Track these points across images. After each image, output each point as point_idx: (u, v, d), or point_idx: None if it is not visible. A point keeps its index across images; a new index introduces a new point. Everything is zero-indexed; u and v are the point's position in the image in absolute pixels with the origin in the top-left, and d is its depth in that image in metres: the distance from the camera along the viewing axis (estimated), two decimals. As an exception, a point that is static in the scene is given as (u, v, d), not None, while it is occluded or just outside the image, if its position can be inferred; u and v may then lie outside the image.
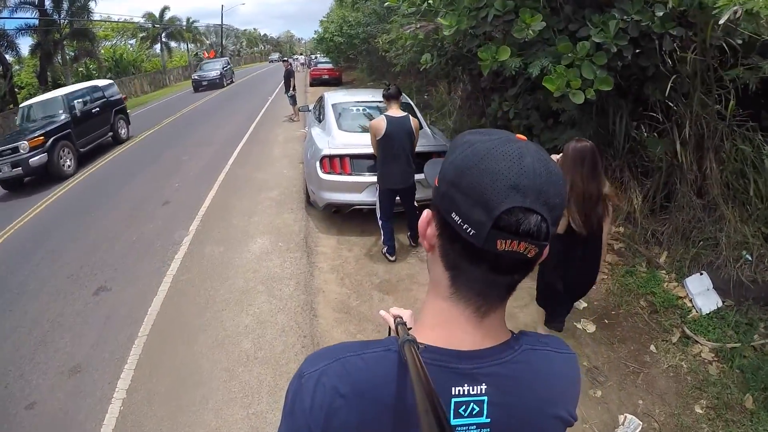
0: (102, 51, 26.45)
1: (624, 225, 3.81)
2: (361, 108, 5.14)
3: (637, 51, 2.99)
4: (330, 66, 20.11)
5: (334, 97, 5.52)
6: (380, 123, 3.58)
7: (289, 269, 4.05)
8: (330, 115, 4.93)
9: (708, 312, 2.96)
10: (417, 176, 3.81)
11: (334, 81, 19.28)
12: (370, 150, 3.90)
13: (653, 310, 3.11)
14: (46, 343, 3.55)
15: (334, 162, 4.32)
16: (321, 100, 5.80)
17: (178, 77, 32.38)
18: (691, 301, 3.06)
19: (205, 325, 3.41)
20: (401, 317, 0.71)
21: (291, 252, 4.37)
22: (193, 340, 3.28)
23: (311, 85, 19.76)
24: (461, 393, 0.54)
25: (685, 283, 3.15)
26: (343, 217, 4.78)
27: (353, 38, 15.79)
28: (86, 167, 8.96)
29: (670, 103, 3.32)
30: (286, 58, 13.48)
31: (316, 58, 24.90)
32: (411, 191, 3.86)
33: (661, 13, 2.68)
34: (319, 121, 5.30)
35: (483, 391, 0.55)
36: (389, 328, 0.77)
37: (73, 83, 19.13)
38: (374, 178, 4.14)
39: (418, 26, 3.88)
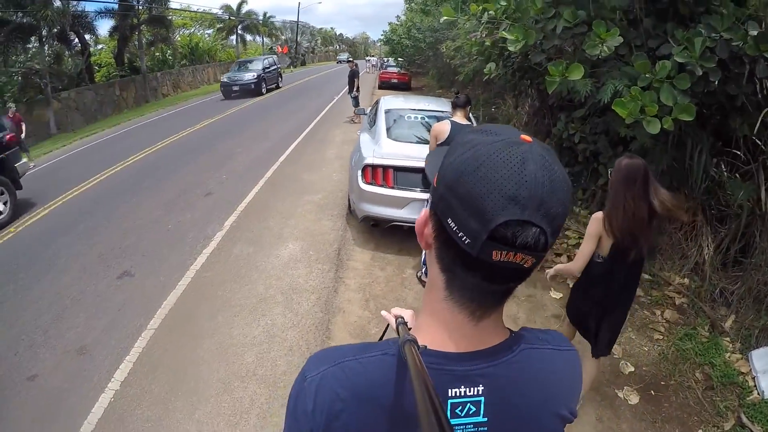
0: (179, 38, 29.00)
1: (690, 276, 3.63)
2: (418, 117, 5.09)
3: (725, 75, 2.74)
4: (398, 70, 20.78)
5: (389, 102, 5.54)
6: (444, 126, 3.75)
7: (314, 281, 4.03)
8: (381, 121, 4.94)
9: (772, 397, 2.66)
10: None
11: (403, 86, 19.83)
12: (417, 163, 3.90)
13: (709, 385, 2.89)
14: (62, 319, 3.85)
15: (377, 172, 4.28)
16: (376, 104, 5.86)
17: None
18: (754, 379, 2.83)
19: (213, 329, 3.47)
20: (402, 317, 0.74)
21: (320, 263, 4.36)
22: (198, 344, 3.34)
23: (380, 87, 20.53)
24: (457, 394, 0.58)
25: (750, 356, 2.95)
26: (383, 231, 4.71)
27: (419, 42, 16.16)
28: (148, 147, 9.89)
29: (758, 141, 3.16)
30: (351, 59, 14.02)
31: (387, 61, 25.54)
32: None
33: (755, 33, 2.43)
34: (370, 127, 5.32)
35: (479, 392, 0.59)
36: (386, 327, 0.84)
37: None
38: (418, 194, 4.13)
39: (485, 34, 3.81)
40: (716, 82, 2.64)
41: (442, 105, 5.43)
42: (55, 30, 16.32)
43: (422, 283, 3.95)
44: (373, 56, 31.10)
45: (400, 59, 20.88)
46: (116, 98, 19.27)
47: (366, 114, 6.56)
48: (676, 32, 2.69)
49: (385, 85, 20.24)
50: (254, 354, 3.19)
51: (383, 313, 0.91)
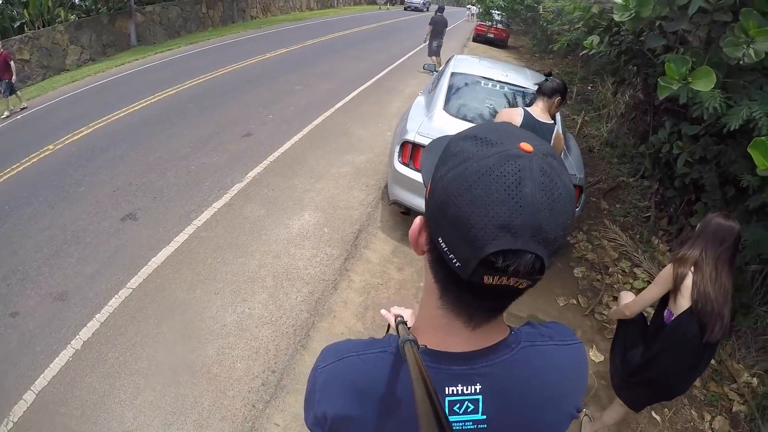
0: None
1: (761, 378, 3.14)
2: (492, 87, 4.35)
3: None
4: (495, 24, 19.42)
5: (462, 62, 4.88)
6: (513, 115, 2.99)
7: (314, 269, 3.77)
8: (443, 86, 4.34)
9: None
10: None
11: (500, 42, 18.82)
12: None
13: None
14: (56, 257, 4.05)
15: (417, 152, 3.78)
16: (447, 62, 5.21)
17: (348, 1, 35.37)
18: None
19: (187, 304, 3.42)
20: (402, 316, 0.76)
21: (331, 246, 4.06)
22: (166, 318, 3.31)
23: (474, 40, 19.47)
24: (455, 392, 0.63)
25: None
26: (415, 220, 4.24)
27: (516, 2, 15.57)
28: (210, 72, 10.13)
29: None
30: (442, 7, 12.84)
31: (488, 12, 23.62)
32: None
33: None
34: (430, 91, 4.73)
35: (477, 391, 0.63)
36: (388, 326, 0.95)
37: None
38: None
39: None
40: None
41: (531, 79, 4.61)
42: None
43: None
44: (474, 5, 29.57)
45: (497, 13, 19.34)
46: (202, 16, 19.98)
47: (435, 72, 5.79)
48: None
49: (480, 38, 19.02)
50: (217, 347, 3.06)
51: (383, 312, 0.99)
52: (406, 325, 0.69)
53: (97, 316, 3.36)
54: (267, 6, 24.96)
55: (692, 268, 2.03)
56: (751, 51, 2.05)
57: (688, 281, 2.04)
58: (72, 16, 14.68)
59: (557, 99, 2.98)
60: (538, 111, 2.99)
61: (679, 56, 2.21)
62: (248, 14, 23.12)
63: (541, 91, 3.01)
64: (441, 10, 11.02)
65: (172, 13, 18.31)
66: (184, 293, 3.51)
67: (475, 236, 0.51)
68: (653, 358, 2.20)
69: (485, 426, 0.64)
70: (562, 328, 0.73)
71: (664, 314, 2.16)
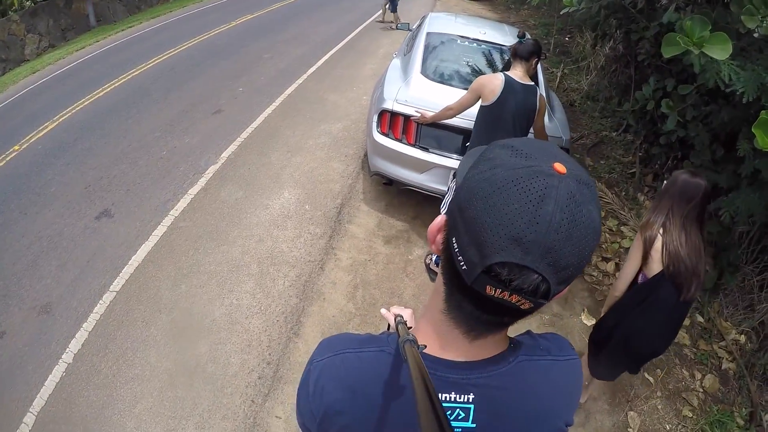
0: None
1: (749, 335, 3.12)
2: (470, 45, 4.03)
3: None
4: None
5: (438, 21, 4.54)
6: (493, 82, 2.80)
7: (299, 251, 3.61)
8: (419, 48, 3.99)
9: None
10: None
11: None
12: (454, 119, 3.13)
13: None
14: (36, 266, 3.86)
15: (396, 121, 3.51)
16: (421, 21, 4.84)
17: None
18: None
19: (174, 301, 3.27)
20: (402, 316, 0.76)
21: (314, 224, 3.88)
22: (154, 319, 3.18)
23: None
24: (448, 399, 0.63)
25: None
26: (399, 189, 4.07)
27: None
28: (173, 48, 9.54)
29: None
30: None
31: None
32: None
33: None
34: (405, 54, 4.39)
35: (470, 400, 0.63)
36: (388, 326, 0.94)
37: None
38: (448, 161, 3.37)
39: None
40: None
41: (509, 34, 4.29)
42: None
43: (430, 271, 3.35)
44: None
45: None
46: (163, -14, 18.61)
47: (411, 31, 5.30)
48: None
49: None
50: (209, 343, 2.94)
51: (383, 311, 0.97)
52: (406, 325, 0.69)
53: (84, 325, 3.21)
54: (230, -31, 23.46)
55: (661, 231, 1.98)
56: (765, 23, 1.84)
57: (658, 244, 1.99)
58: (28, 2, 13.62)
59: (534, 60, 2.86)
60: (518, 73, 2.82)
61: (698, 16, 1.98)
62: (213, -20, 21.76)
63: (518, 55, 2.84)
64: None
65: (131, -15, 17.10)
66: (169, 291, 3.35)
67: (485, 242, 0.51)
68: (626, 318, 2.18)
69: None
70: (560, 342, 0.73)
71: (639, 278, 2.13)
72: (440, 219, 0.63)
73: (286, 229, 3.85)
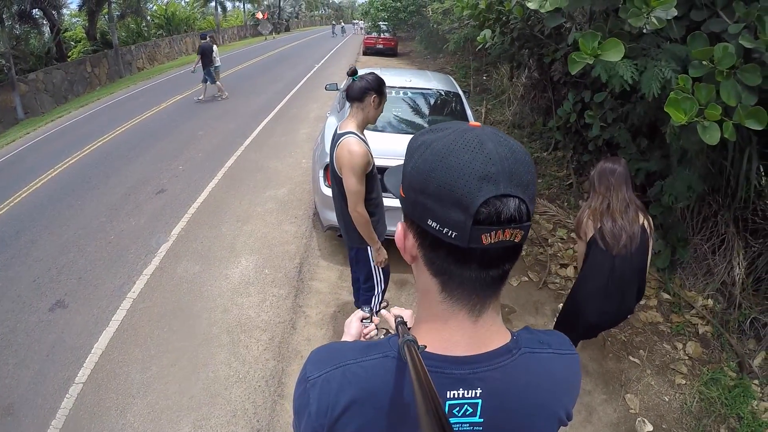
0: (154, 7, 28.83)
1: (715, 298, 3.28)
2: (397, 94, 4.35)
3: None
4: (383, 36, 19.83)
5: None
6: (363, 149, 2.32)
7: (267, 314, 3.54)
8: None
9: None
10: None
11: (389, 51, 19.12)
12: (394, 161, 3.12)
13: (736, 444, 2.52)
14: (-12, 368, 3.35)
15: None
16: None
17: (233, 37, 34.20)
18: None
19: (146, 385, 3.03)
20: (401, 317, 0.75)
21: (276, 286, 3.84)
22: (128, 405, 2.93)
23: (364, 54, 19.72)
24: (456, 396, 0.61)
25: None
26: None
27: (399, 12, 16.05)
28: (108, 134, 9.15)
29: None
30: (206, 34, 11.52)
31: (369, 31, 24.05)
32: None
33: None
34: (339, 109, 4.57)
35: (477, 395, 0.62)
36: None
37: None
38: (394, 200, 3.45)
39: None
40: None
41: (433, 79, 4.66)
42: (14, 9, 14.90)
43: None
44: (361, 20, 30.28)
45: (384, 24, 19.55)
46: (88, 75, 18.06)
47: (339, 90, 5.58)
48: (735, 6, 2.03)
49: (371, 50, 19.33)
50: (192, 421, 2.76)
51: (383, 312, 0.95)
52: (406, 325, 0.66)
53: (53, 423, 2.85)
54: (153, 55, 23.26)
55: (590, 206, 2.20)
56: (653, 19, 2.12)
57: (583, 216, 2.23)
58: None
59: (373, 98, 2.28)
60: (351, 121, 2.33)
61: (588, 32, 2.28)
62: (135, 66, 21.36)
63: (350, 96, 2.31)
64: (204, 37, 11.10)
65: (56, 77, 16.36)
66: (139, 374, 3.11)
67: (462, 195, 0.52)
68: (574, 290, 2.38)
69: (481, 429, 0.63)
70: (559, 338, 0.72)
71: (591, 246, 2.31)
72: (401, 226, 0.64)
73: (250, 295, 3.77)
